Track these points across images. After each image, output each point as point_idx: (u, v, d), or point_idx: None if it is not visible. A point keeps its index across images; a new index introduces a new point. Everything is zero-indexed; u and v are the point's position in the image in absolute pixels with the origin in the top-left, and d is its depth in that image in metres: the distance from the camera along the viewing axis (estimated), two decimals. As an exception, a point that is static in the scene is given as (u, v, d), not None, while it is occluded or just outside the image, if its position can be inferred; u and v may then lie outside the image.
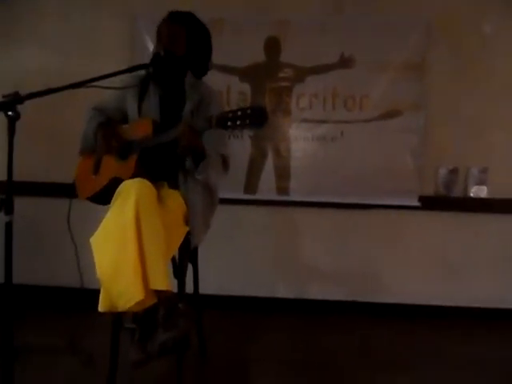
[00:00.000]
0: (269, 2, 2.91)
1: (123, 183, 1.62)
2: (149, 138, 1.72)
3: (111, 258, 1.52)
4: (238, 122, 1.47)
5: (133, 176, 1.67)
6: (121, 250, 1.51)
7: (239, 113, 1.48)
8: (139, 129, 1.76)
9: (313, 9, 2.90)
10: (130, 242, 1.50)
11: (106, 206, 1.70)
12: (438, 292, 2.93)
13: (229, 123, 1.49)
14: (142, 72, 1.83)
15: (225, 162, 1.84)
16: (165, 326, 1.50)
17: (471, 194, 2.93)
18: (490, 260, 2.94)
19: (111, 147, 1.76)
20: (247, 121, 1.46)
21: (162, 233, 1.55)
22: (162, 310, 1.52)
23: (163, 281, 1.50)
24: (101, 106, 1.91)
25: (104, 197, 1.75)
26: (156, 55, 1.73)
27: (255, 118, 1.46)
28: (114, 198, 1.62)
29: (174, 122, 1.75)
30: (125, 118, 1.90)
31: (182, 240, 1.75)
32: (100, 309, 1.57)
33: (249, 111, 1.46)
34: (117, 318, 1.75)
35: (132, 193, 1.55)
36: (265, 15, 2.91)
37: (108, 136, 1.77)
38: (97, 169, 1.83)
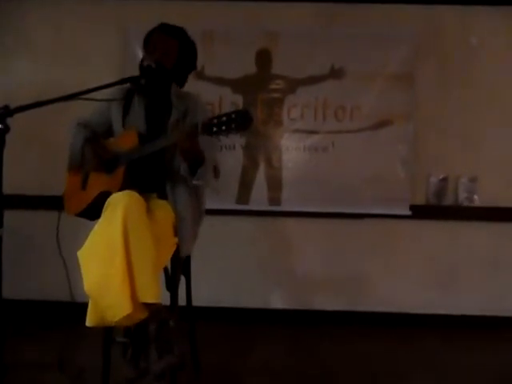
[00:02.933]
0: (259, 14, 2.94)
1: (111, 196, 1.61)
2: (135, 149, 1.71)
3: (98, 271, 1.51)
4: (224, 127, 1.47)
5: (121, 188, 1.66)
6: (108, 264, 1.49)
7: (224, 118, 1.47)
8: (125, 141, 1.75)
9: (303, 21, 2.94)
10: (118, 255, 1.48)
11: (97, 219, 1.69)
12: (431, 301, 2.94)
13: (214, 129, 1.48)
14: (126, 84, 1.81)
15: (216, 168, 1.83)
16: (158, 348, 1.48)
17: (461, 203, 2.96)
18: (482, 268, 2.96)
19: (98, 161, 1.75)
20: (232, 125, 1.45)
21: (151, 245, 1.54)
22: (152, 324, 1.50)
23: (152, 293, 1.49)
24: (85, 120, 1.90)
25: (92, 212, 1.73)
26: (148, 67, 1.73)
27: (240, 121, 1.45)
28: (103, 211, 1.61)
29: (159, 132, 1.75)
30: (109, 131, 1.89)
31: (172, 251, 1.74)
32: (88, 323, 1.55)
33: (233, 115, 1.46)
34: (108, 332, 1.73)
35: (120, 205, 1.54)
36: (256, 27, 2.94)
37: (95, 150, 1.76)
38: (85, 184, 1.82)
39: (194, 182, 1.72)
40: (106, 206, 1.60)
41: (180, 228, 1.75)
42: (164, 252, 1.68)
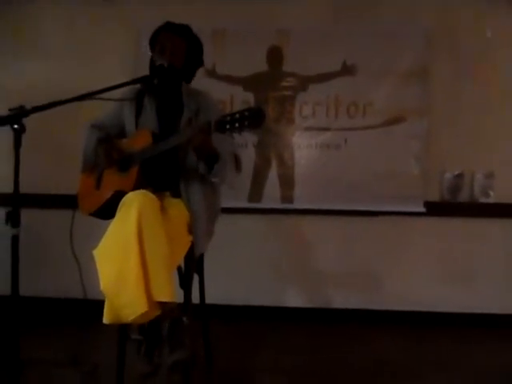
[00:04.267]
0: (270, 11, 2.93)
1: (125, 196, 1.63)
2: (149, 148, 1.72)
3: (114, 270, 1.52)
4: (237, 125, 1.48)
5: (135, 187, 1.68)
6: (123, 262, 1.51)
7: (237, 115, 1.48)
8: (138, 141, 1.77)
9: (314, 18, 2.92)
10: (133, 254, 1.50)
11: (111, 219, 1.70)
12: (446, 299, 2.90)
13: (227, 126, 1.50)
14: (137, 85, 1.83)
15: (237, 162, 1.84)
16: (170, 344, 1.49)
17: (477, 199, 2.91)
18: (498, 265, 2.91)
19: (112, 161, 1.76)
20: (246, 122, 1.47)
21: (165, 244, 1.55)
22: (166, 323, 1.51)
23: (166, 292, 1.50)
24: (98, 122, 1.92)
25: (106, 211, 1.75)
26: (160, 67, 1.73)
27: (253, 118, 1.47)
28: (117, 211, 1.62)
29: (172, 132, 1.75)
30: (122, 133, 1.91)
31: (186, 249, 1.75)
32: (104, 321, 1.57)
33: (246, 113, 1.47)
34: (122, 329, 1.74)
35: (134, 205, 1.55)
36: (267, 25, 2.93)
37: (108, 150, 1.77)
38: (99, 184, 1.84)
39: (212, 179, 1.73)
40: (120, 205, 1.62)
41: (194, 226, 1.76)
42: (178, 250, 1.69)
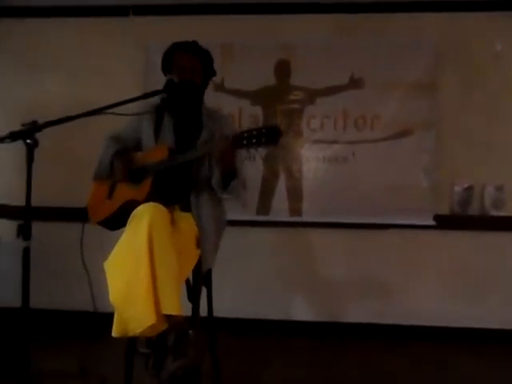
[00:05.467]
0: (278, 26, 2.97)
1: (136, 209, 1.64)
2: (165, 160, 1.75)
3: (124, 281, 1.53)
4: (254, 141, 1.52)
5: (147, 198, 1.69)
6: (133, 274, 1.52)
7: (254, 132, 1.53)
8: (155, 155, 1.80)
9: (322, 32, 2.95)
10: (143, 266, 1.51)
11: (120, 230, 1.72)
12: (456, 314, 2.86)
13: (244, 142, 1.54)
14: (156, 101, 1.87)
15: (244, 182, 1.86)
16: (174, 354, 1.49)
17: (488, 212, 2.88)
18: (510, 280, 2.86)
19: (127, 172, 1.79)
20: (263, 139, 1.51)
21: (174, 257, 1.55)
22: (172, 335, 1.51)
23: (174, 305, 1.50)
24: (116, 135, 1.96)
25: (116, 221, 1.77)
26: (182, 84, 1.76)
27: (270, 135, 1.51)
28: (128, 223, 1.64)
29: (188, 149, 1.79)
30: (138, 147, 1.94)
31: (194, 263, 1.76)
32: (113, 334, 1.57)
33: (264, 130, 1.52)
34: (131, 342, 1.74)
35: (145, 217, 1.56)
36: (274, 39, 2.97)
37: (124, 162, 1.81)
38: (111, 194, 1.86)
39: (225, 195, 1.76)
40: (131, 217, 1.63)
41: (203, 241, 1.77)
42: (186, 264, 1.69)
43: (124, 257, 1.57)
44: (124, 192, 1.80)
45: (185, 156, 1.72)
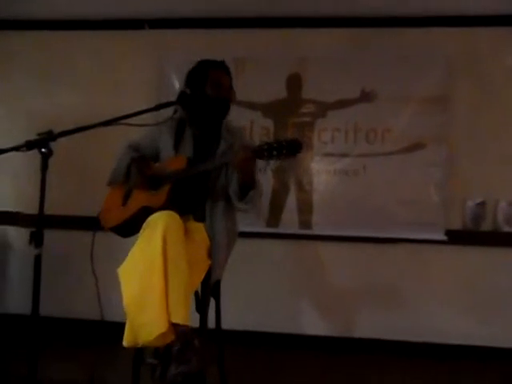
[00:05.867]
0: (290, 39, 3.00)
1: (150, 216, 1.65)
2: (184, 170, 1.77)
3: (137, 288, 1.54)
4: (275, 152, 1.56)
5: (163, 205, 1.71)
6: (147, 281, 1.53)
7: (275, 144, 1.57)
8: (173, 164, 1.83)
9: (333, 45, 2.97)
10: (157, 273, 1.52)
11: (130, 240, 1.73)
12: (468, 332, 2.80)
13: (265, 153, 1.57)
14: (178, 114, 1.90)
15: (260, 195, 1.87)
16: (177, 361, 1.48)
17: (501, 228, 2.83)
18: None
19: (144, 179, 1.81)
20: (284, 151, 1.55)
21: (186, 266, 1.56)
22: (177, 344, 1.50)
23: (183, 315, 1.50)
24: (135, 144, 1.99)
25: (130, 227, 1.78)
26: (221, 99, 1.86)
27: (291, 148, 1.55)
28: (141, 230, 1.65)
29: (206, 160, 1.82)
30: (156, 157, 1.97)
31: (204, 274, 1.75)
32: (124, 343, 1.57)
33: (284, 143, 1.56)
34: (138, 352, 1.74)
35: (160, 224, 1.58)
36: (286, 53, 3.00)
37: (141, 168, 1.83)
38: (126, 200, 1.88)
39: (241, 206, 1.78)
40: (144, 225, 1.64)
41: (214, 253, 1.78)
42: (197, 275, 1.70)
43: (138, 263, 1.58)
44: (139, 198, 1.82)
45: (204, 166, 1.76)
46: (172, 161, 1.86)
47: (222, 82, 1.90)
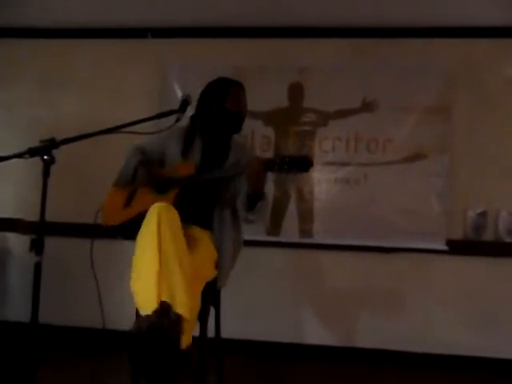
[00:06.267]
0: (291, 50, 3.02)
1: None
2: (192, 175, 1.79)
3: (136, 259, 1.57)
4: (286, 167, 1.59)
5: None
6: (142, 253, 1.56)
7: (287, 159, 1.60)
8: (181, 170, 1.85)
9: (335, 55, 2.99)
10: (151, 246, 1.53)
11: (130, 248, 1.72)
12: (468, 342, 2.78)
13: (276, 167, 1.61)
14: (185, 124, 1.93)
15: (267, 205, 1.92)
16: (172, 369, 1.45)
17: (502, 238, 2.83)
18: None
19: (151, 181, 1.83)
20: (295, 167, 1.59)
21: (183, 245, 1.57)
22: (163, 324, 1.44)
23: (167, 291, 1.48)
24: (142, 146, 2.00)
25: (134, 226, 1.73)
26: (236, 114, 1.94)
27: (302, 165, 1.60)
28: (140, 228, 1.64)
29: (214, 169, 1.85)
30: (161, 163, 1.97)
31: (205, 283, 1.74)
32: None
33: (296, 159, 1.60)
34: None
35: (155, 209, 1.59)
36: (288, 62, 3.02)
37: (149, 171, 1.86)
38: (130, 200, 1.88)
39: (249, 217, 1.81)
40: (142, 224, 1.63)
41: (221, 262, 1.79)
42: (199, 284, 1.67)
43: (138, 243, 1.60)
44: (145, 200, 1.81)
45: (213, 174, 1.79)
46: (181, 166, 1.88)
47: (241, 99, 1.98)
